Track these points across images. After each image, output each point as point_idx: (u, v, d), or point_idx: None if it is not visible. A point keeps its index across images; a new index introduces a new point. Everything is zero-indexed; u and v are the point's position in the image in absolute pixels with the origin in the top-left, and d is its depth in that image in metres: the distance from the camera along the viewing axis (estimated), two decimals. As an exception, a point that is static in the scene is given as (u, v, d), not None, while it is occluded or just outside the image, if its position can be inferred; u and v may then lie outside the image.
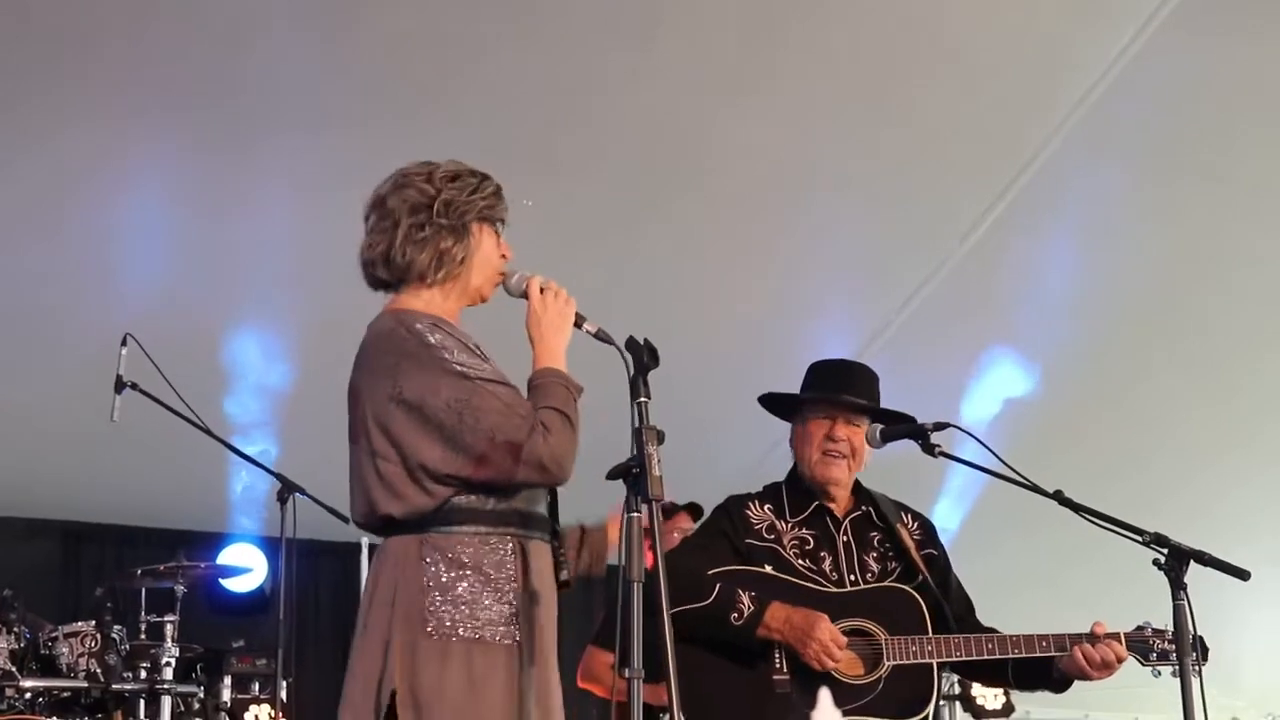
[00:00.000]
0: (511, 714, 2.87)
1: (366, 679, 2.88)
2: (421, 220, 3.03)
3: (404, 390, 2.91)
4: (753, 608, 3.80)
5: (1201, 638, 3.76)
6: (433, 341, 2.92)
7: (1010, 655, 3.91)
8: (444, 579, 2.89)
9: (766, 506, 4.04)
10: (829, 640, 3.77)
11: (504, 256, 3.13)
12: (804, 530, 4.00)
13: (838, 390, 4.04)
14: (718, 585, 3.82)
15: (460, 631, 2.86)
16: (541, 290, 3.04)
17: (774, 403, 4.19)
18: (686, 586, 3.79)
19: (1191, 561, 3.52)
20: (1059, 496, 3.70)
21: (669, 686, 2.77)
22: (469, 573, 2.90)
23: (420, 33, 5.56)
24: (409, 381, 2.91)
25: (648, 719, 3.06)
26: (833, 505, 4.05)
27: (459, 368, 2.90)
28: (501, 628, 2.89)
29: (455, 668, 2.84)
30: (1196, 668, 3.52)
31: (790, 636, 3.79)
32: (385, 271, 3.07)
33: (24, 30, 5.31)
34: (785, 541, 3.97)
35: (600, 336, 3.02)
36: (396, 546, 2.94)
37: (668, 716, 2.80)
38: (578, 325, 3.05)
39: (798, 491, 4.06)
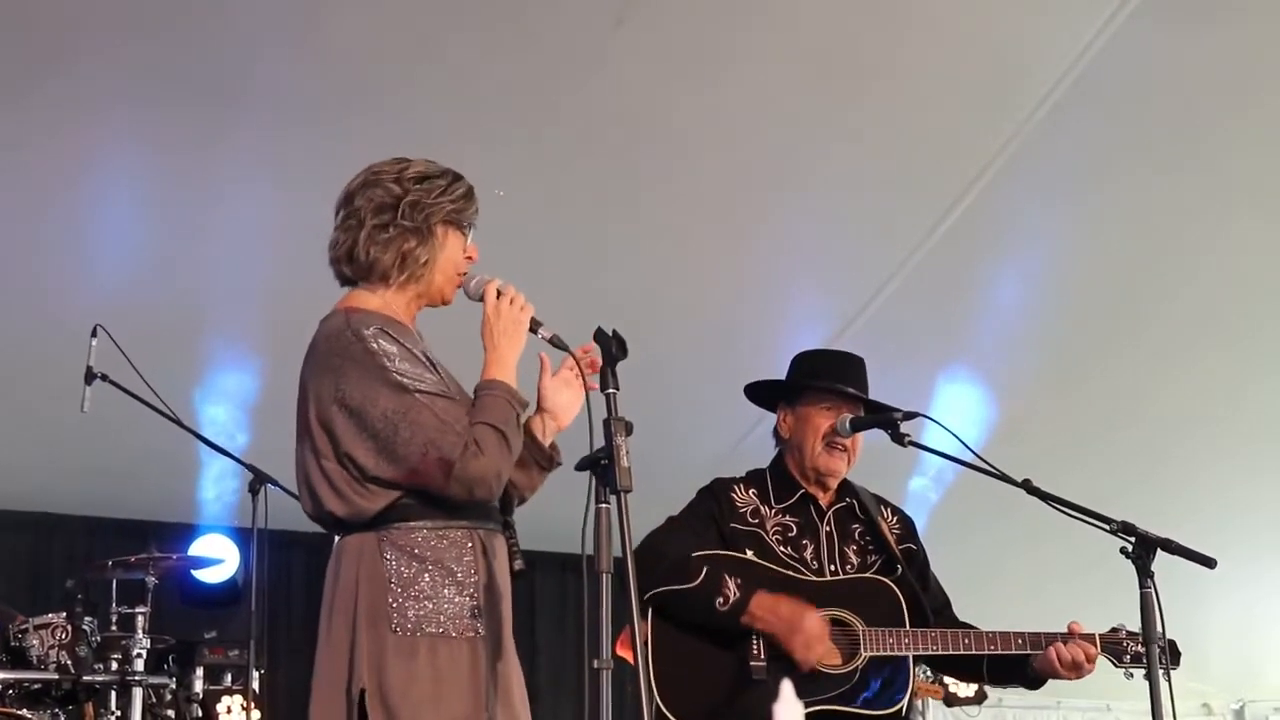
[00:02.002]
0: (477, 707, 2.87)
1: (334, 678, 2.88)
2: (385, 220, 3.03)
3: (345, 394, 2.91)
4: (738, 594, 3.81)
5: (1174, 641, 3.80)
6: (375, 349, 2.91)
7: (986, 651, 3.93)
8: (405, 574, 2.89)
9: (751, 491, 4.05)
10: (816, 633, 3.79)
11: (469, 258, 3.12)
12: (787, 517, 4.02)
13: (840, 381, 4.05)
14: (705, 568, 3.84)
15: (425, 627, 2.86)
16: (498, 295, 3.02)
17: (767, 390, 4.19)
18: (673, 566, 3.82)
19: (1159, 549, 3.55)
20: (1027, 485, 3.72)
21: (644, 676, 2.77)
22: (429, 567, 2.90)
23: (391, 25, 5.54)
24: (350, 386, 2.91)
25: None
26: (818, 495, 4.07)
27: (399, 378, 2.89)
28: (465, 621, 2.89)
29: (421, 663, 2.85)
30: (1166, 670, 3.54)
31: (776, 628, 3.81)
32: (349, 269, 3.07)
33: (-2, 22, 5.29)
34: (768, 527, 3.99)
35: (555, 343, 3.01)
36: (355, 544, 2.94)
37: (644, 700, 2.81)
38: (534, 330, 3.02)
39: (783, 479, 4.08)
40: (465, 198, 3.10)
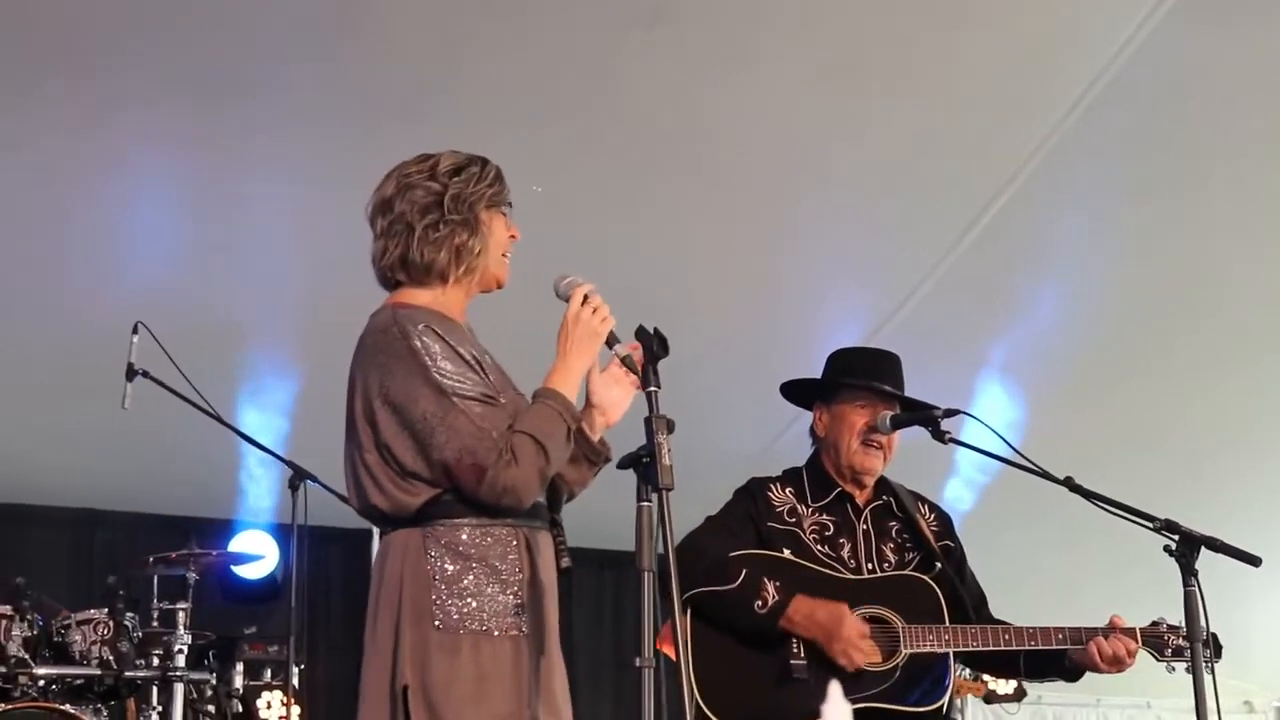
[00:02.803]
0: (520, 705, 2.88)
1: (380, 676, 2.89)
2: (434, 219, 3.03)
3: (389, 390, 2.93)
4: (777, 597, 3.81)
5: (1215, 635, 3.77)
6: (418, 346, 2.92)
7: (1026, 647, 3.91)
8: (449, 572, 2.90)
9: (788, 490, 4.05)
10: (856, 637, 3.79)
11: (513, 237, 3.13)
12: (824, 516, 4.01)
13: (876, 379, 4.04)
14: (744, 570, 3.84)
15: (468, 624, 2.87)
16: (585, 300, 3.02)
17: (802, 389, 4.19)
18: (711, 567, 3.82)
19: (1203, 547, 3.52)
20: (1070, 483, 3.70)
21: (684, 674, 2.77)
22: (474, 565, 2.90)
23: (422, 25, 5.54)
24: (394, 384, 2.92)
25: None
26: (855, 493, 4.06)
27: (439, 379, 2.90)
28: (508, 619, 2.90)
29: (464, 661, 2.85)
30: (1209, 664, 3.52)
31: (815, 633, 3.80)
32: (404, 274, 3.06)
33: (31, 23, 5.31)
34: (805, 526, 3.98)
35: (626, 363, 3.00)
36: (400, 540, 2.95)
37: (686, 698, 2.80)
38: (609, 344, 3.02)
39: (820, 477, 4.07)
40: (499, 179, 3.12)
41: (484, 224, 3.07)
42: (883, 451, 4.03)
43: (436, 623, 2.86)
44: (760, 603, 3.81)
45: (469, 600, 2.88)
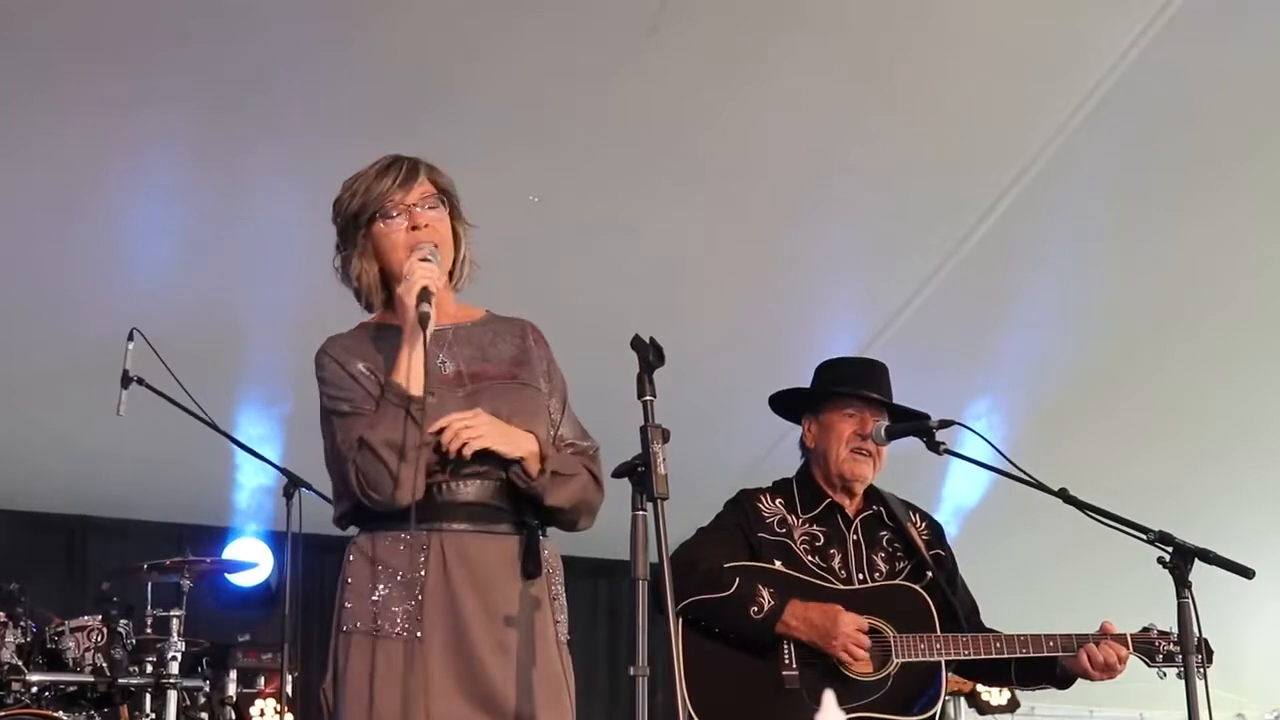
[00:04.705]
0: (405, 709, 2.89)
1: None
2: (336, 261, 3.16)
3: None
4: (772, 603, 3.82)
5: (1206, 640, 3.77)
6: (320, 375, 3.08)
7: (1018, 655, 3.92)
8: (358, 576, 2.99)
9: (778, 501, 4.06)
10: (854, 632, 3.80)
11: (414, 228, 3.07)
12: (814, 527, 4.02)
13: (863, 386, 4.05)
14: (737, 578, 3.85)
15: (360, 625, 2.95)
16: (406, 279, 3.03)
17: (790, 399, 4.19)
18: (705, 576, 3.83)
19: (1196, 559, 3.53)
20: (1064, 494, 3.71)
21: (677, 683, 2.77)
22: (379, 570, 2.97)
23: (426, 31, 5.55)
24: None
25: None
26: (844, 503, 4.07)
27: (326, 403, 3.06)
28: (405, 623, 2.93)
29: (358, 662, 2.94)
30: (1201, 670, 3.53)
31: (813, 635, 3.81)
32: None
33: (32, 24, 5.31)
34: (796, 536, 3.99)
35: (421, 321, 2.93)
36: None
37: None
38: (418, 305, 2.95)
39: (810, 488, 4.08)
40: (371, 182, 3.10)
41: (367, 244, 3.09)
42: (872, 459, 4.05)
43: (344, 626, 2.98)
44: (756, 608, 3.82)
45: (368, 602, 2.95)
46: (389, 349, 3.01)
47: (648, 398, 2.88)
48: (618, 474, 2.88)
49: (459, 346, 3.10)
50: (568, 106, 5.89)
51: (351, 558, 3.01)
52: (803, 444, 4.16)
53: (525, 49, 5.66)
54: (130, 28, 5.40)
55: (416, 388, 2.92)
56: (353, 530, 3.11)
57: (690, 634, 3.83)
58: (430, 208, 3.09)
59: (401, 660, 2.91)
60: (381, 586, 2.95)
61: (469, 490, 2.99)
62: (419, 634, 2.92)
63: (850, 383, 4.08)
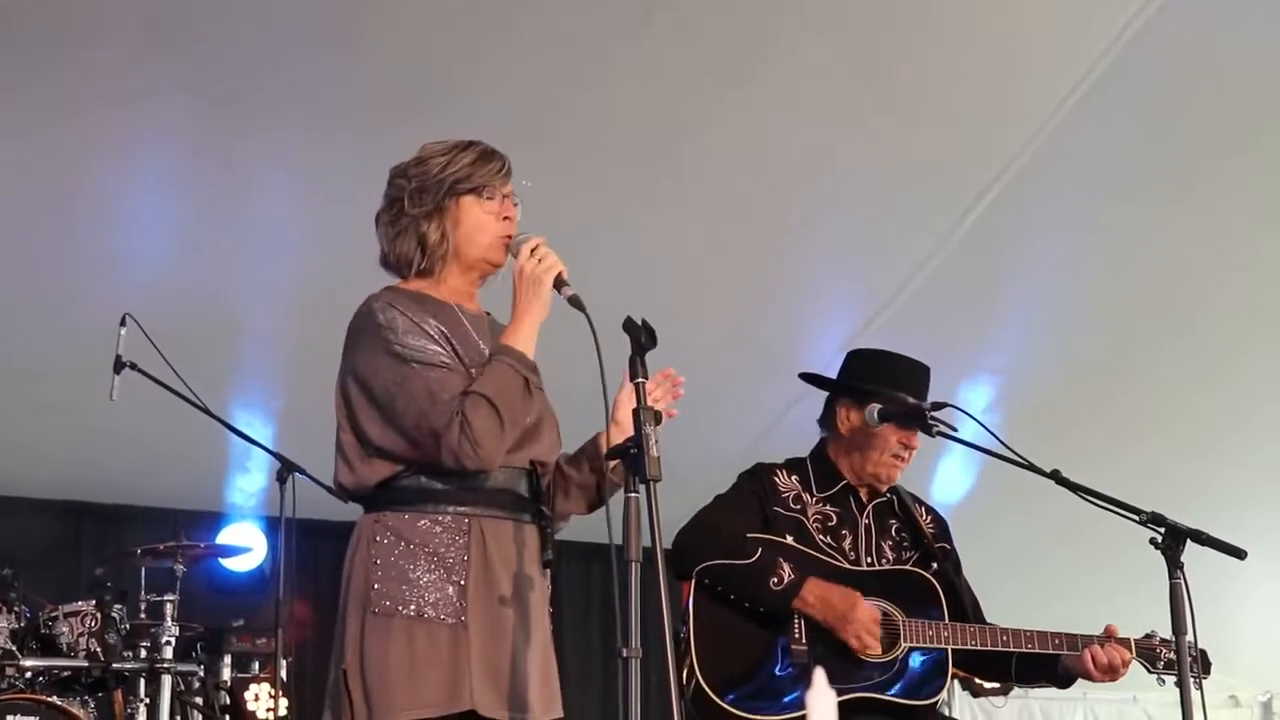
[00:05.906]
0: (454, 692, 2.87)
1: (334, 659, 2.97)
2: (396, 214, 3.09)
3: (356, 366, 2.99)
4: (792, 577, 3.84)
5: (1204, 651, 3.80)
6: (381, 321, 2.97)
7: (1024, 649, 3.95)
8: (391, 557, 2.93)
9: (794, 477, 4.07)
10: (870, 622, 3.82)
11: (506, 219, 3.12)
12: (828, 507, 4.05)
13: (918, 395, 4.02)
14: (760, 548, 3.87)
15: (403, 610, 2.90)
16: (533, 253, 3.03)
17: (838, 387, 4.16)
18: (727, 541, 3.85)
19: (1188, 540, 3.54)
20: (1056, 476, 3.72)
21: (668, 674, 2.76)
22: (417, 552, 2.93)
23: (426, 26, 5.54)
24: (360, 358, 2.99)
25: None
26: (860, 489, 4.09)
27: (398, 349, 2.94)
28: (449, 607, 2.90)
29: (397, 645, 2.88)
30: (1197, 681, 3.55)
31: (828, 615, 3.84)
32: (389, 270, 3.14)
33: (28, 14, 5.30)
34: (809, 514, 4.02)
35: (573, 302, 2.98)
36: (360, 526, 3.02)
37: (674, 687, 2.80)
38: (557, 288, 3.00)
39: (826, 469, 4.09)
40: (474, 162, 3.11)
41: (450, 211, 3.08)
42: (905, 464, 4.07)
43: (375, 608, 2.91)
44: (776, 579, 3.84)
45: (405, 587, 2.91)
46: (441, 319, 3.01)
47: (640, 380, 2.88)
48: (610, 456, 2.89)
49: (496, 337, 3.10)
50: (568, 106, 5.89)
51: (379, 538, 2.94)
52: (831, 425, 4.12)
53: (525, 49, 5.66)
54: (128, 21, 5.39)
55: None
56: (354, 508, 3.09)
57: (703, 599, 3.87)
58: (514, 205, 3.15)
59: (446, 645, 2.89)
60: (421, 568, 2.91)
61: (500, 477, 2.99)
62: (463, 619, 2.90)
63: (906, 389, 4.03)
